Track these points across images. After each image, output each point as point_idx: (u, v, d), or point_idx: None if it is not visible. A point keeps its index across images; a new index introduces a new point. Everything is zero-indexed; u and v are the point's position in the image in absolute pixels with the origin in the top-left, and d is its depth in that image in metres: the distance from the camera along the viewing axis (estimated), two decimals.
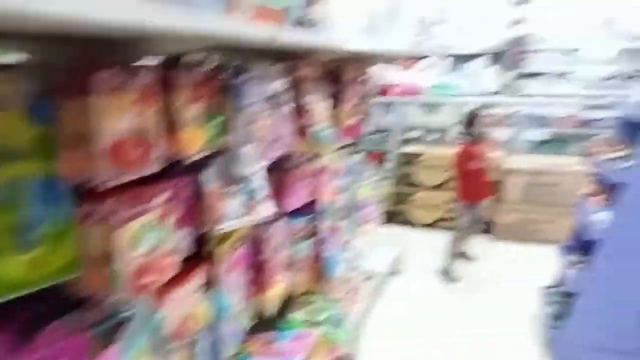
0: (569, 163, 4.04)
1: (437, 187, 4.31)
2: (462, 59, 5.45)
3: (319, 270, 2.37)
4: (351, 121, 2.69)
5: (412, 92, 4.67)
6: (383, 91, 4.71)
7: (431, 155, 4.31)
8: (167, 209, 1.11)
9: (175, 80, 1.15)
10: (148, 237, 1.07)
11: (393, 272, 3.39)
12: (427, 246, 3.99)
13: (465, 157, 3.28)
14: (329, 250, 2.35)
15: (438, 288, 3.22)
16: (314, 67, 2.03)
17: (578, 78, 5.37)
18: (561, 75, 5.46)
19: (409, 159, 4.37)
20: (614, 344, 2.22)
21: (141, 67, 1.06)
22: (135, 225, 1.04)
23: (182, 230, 1.25)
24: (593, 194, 2.55)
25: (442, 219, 4.34)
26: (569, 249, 2.66)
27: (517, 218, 4.01)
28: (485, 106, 4.76)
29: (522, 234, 4.00)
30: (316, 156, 2.05)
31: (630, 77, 5.22)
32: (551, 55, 5.41)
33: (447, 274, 3.35)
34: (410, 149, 4.47)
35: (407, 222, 4.44)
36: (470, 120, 3.29)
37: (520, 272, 3.44)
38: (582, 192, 2.64)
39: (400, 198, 4.45)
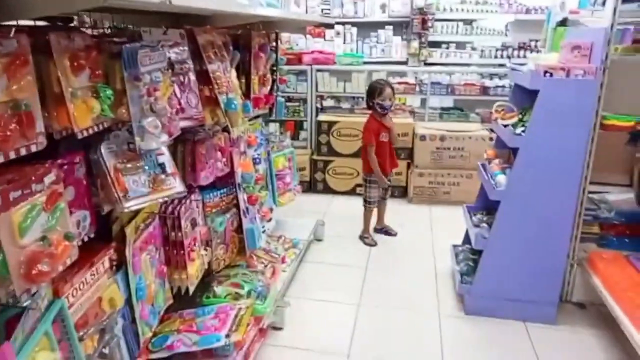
0: (472, 128, 4.33)
1: (353, 155, 4.40)
2: (368, 27, 5.54)
3: (239, 243, 2.33)
4: (262, 90, 2.63)
5: (323, 60, 4.67)
6: (295, 59, 4.66)
7: (345, 124, 4.38)
8: (56, 191, 1.00)
9: (56, 46, 1.02)
10: (36, 222, 0.96)
11: (315, 239, 3.45)
12: (346, 213, 4.10)
13: (370, 130, 3.33)
14: (249, 223, 2.31)
15: (357, 252, 3.33)
16: (217, 34, 1.92)
17: (476, 47, 5.71)
18: (460, 45, 5.76)
19: (325, 128, 4.40)
20: (517, 294, 2.46)
21: (12, 28, 0.93)
22: (19, 211, 0.92)
23: (78, 213, 1.15)
24: (493, 158, 2.75)
25: (359, 186, 4.46)
26: (475, 210, 2.87)
27: (427, 182, 4.24)
28: (392, 75, 4.93)
29: (433, 196, 4.24)
30: (228, 127, 1.97)
31: (521, 48, 5.64)
32: (452, 26, 5.66)
33: (364, 240, 3.48)
34: (324, 117, 4.49)
35: (327, 189, 4.51)
36: (373, 91, 3.31)
37: (432, 233, 3.67)
38: (484, 157, 2.83)
39: (318, 167, 4.49)
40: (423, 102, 4.80)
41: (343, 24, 5.46)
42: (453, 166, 4.23)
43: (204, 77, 1.80)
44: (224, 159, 2.12)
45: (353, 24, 5.50)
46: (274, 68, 2.86)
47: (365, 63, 4.97)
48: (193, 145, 1.87)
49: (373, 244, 3.44)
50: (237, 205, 2.23)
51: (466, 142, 4.18)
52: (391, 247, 3.44)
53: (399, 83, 4.64)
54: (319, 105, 4.77)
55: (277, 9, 2.16)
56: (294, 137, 4.89)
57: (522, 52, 5.74)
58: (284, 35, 5.23)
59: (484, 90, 4.58)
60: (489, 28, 5.71)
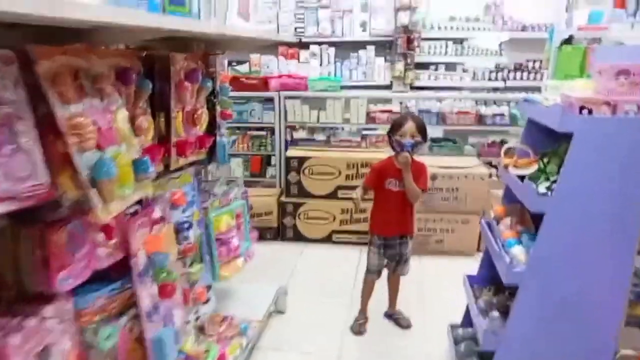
0: (467, 164, 3.68)
1: (328, 196, 3.72)
2: (348, 47, 4.92)
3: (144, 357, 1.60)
4: (192, 131, 1.94)
5: (293, 86, 4.01)
6: (260, 85, 4.00)
7: (319, 160, 3.70)
8: None
9: None
10: None
11: (276, 310, 2.72)
12: (319, 266, 3.40)
13: (373, 170, 2.57)
14: (156, 328, 1.59)
15: (328, 330, 2.61)
16: (99, 57, 1.24)
17: (467, 69, 5.13)
18: (450, 66, 5.18)
19: (294, 165, 3.72)
20: None
21: None
22: None
23: None
24: (502, 216, 2.07)
25: (336, 232, 3.77)
26: (478, 282, 2.18)
27: (415, 228, 3.55)
28: (374, 102, 4.29)
29: (423, 246, 3.56)
30: (112, 194, 1.27)
31: (517, 69, 5.08)
32: (440, 45, 5.09)
33: (352, 326, 2.62)
34: (294, 152, 3.82)
35: (298, 237, 3.81)
36: (392, 126, 2.49)
37: (423, 297, 2.97)
38: (491, 212, 2.16)
39: (287, 210, 3.79)
40: None
41: (319, 43, 4.84)
42: (446, 210, 3.57)
43: (54, 122, 1.11)
44: (115, 240, 1.42)
45: (330, 44, 4.88)
46: (215, 99, 2.19)
47: (343, 88, 4.33)
48: (42, 232, 1.17)
49: (359, 331, 2.57)
50: (136, 304, 1.51)
51: (461, 181, 3.52)
52: (369, 324, 2.66)
53: (382, 111, 3.99)
54: (288, 138, 4.09)
55: (189, 22, 1.49)
56: (260, 174, 4.19)
57: (518, 74, 5.17)
58: (254, 57, 4.59)
59: (480, 119, 3.95)
60: (482, 47, 5.13)
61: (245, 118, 4.04)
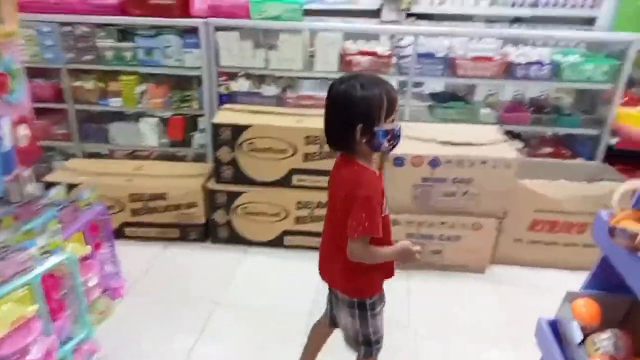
0: (484, 139, 2.45)
1: (278, 183, 2.52)
2: None
3: None
4: None
5: (228, 11, 2.63)
6: (176, 9, 2.61)
7: (264, 129, 2.44)
8: None
9: None
10: None
11: None
12: (263, 284, 2.30)
13: (369, 199, 1.22)
14: None
15: None
16: None
17: None
18: None
19: (226, 136, 2.46)
20: None
21: None
22: None
23: None
24: (590, 319, 0.93)
25: (289, 233, 2.62)
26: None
27: (404, 234, 2.41)
28: (353, 38, 2.93)
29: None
30: None
31: None
32: None
33: None
34: (227, 116, 2.54)
35: (235, 239, 2.65)
36: (372, 107, 1.18)
37: (415, 345, 1.90)
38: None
39: (218, 202, 2.60)
40: (402, 85, 2.85)
41: None
42: (450, 210, 2.40)
43: None
44: None
45: None
46: None
47: (308, 14, 2.94)
48: None
49: None
50: None
51: (476, 169, 2.31)
52: None
53: (363, 53, 2.67)
54: (223, 90, 2.78)
55: None
56: (183, 142, 2.93)
57: None
58: None
59: (508, 68, 2.63)
60: None
61: (158, 59, 2.70)
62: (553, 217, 2.39)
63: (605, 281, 1.14)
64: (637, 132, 2.45)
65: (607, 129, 2.53)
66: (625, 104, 2.50)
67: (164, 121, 2.89)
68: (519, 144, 2.61)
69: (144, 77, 2.80)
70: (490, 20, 4.04)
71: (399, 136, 1.25)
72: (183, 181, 2.63)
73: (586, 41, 3.00)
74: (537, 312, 1.34)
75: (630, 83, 2.55)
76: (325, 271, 1.45)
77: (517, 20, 4.02)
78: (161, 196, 2.58)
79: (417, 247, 1.29)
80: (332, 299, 1.48)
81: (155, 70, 2.74)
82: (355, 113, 1.15)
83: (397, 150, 2.19)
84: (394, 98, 1.19)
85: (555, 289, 1.35)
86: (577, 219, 2.38)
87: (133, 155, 3.08)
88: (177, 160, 2.97)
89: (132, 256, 2.40)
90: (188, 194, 2.58)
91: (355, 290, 1.35)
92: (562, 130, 2.72)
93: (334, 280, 1.42)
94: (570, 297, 1.12)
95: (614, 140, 2.51)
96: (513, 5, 3.76)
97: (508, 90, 3.10)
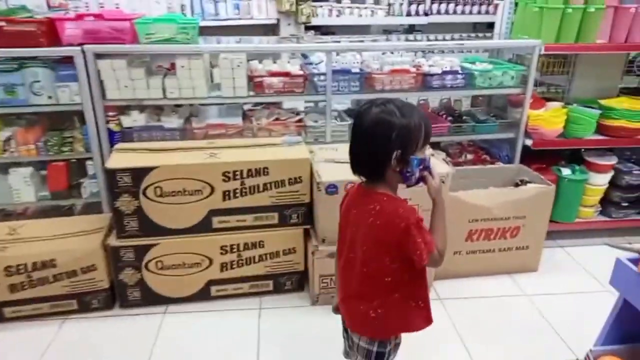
0: None
1: (194, 228, 2.18)
2: None
3: None
4: None
5: (108, 35, 2.23)
6: (42, 37, 2.15)
7: (173, 170, 2.09)
8: None
9: None
10: None
11: None
12: (192, 347, 1.95)
13: (418, 227, 1.16)
14: None
15: None
16: None
17: None
18: None
19: (126, 183, 2.06)
20: None
21: None
22: None
23: None
24: None
25: (215, 282, 2.29)
26: None
27: None
28: (257, 57, 2.67)
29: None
30: None
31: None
32: None
33: None
34: (124, 159, 2.14)
35: (150, 299, 2.25)
36: (408, 136, 1.12)
37: None
38: None
39: (125, 260, 2.17)
40: (316, 105, 2.66)
41: None
42: None
43: None
44: None
45: None
46: None
47: (202, 32, 2.63)
48: None
49: None
50: None
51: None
52: None
53: (273, 74, 2.43)
54: (113, 127, 2.36)
55: None
56: (69, 194, 2.44)
57: (443, 6, 3.91)
58: None
59: (424, 79, 2.57)
60: None
61: (23, 97, 2.20)
62: (487, 225, 2.37)
63: (625, 331, 1.03)
64: (548, 132, 2.53)
65: (521, 132, 2.58)
66: (531, 106, 2.58)
67: (42, 169, 2.38)
68: (443, 155, 2.56)
69: (7, 121, 2.27)
70: (387, 30, 4.07)
71: (428, 167, 1.19)
72: (75, 241, 2.16)
73: (489, 48, 3.10)
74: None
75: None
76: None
77: (412, 28, 4.09)
78: (48, 263, 2.10)
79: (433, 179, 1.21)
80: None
81: (21, 110, 2.23)
82: (395, 139, 1.09)
83: (330, 177, 2.00)
84: (430, 126, 1.17)
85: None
86: (509, 224, 2.39)
87: (3, 215, 2.51)
88: (63, 216, 2.46)
89: (19, 343, 1.92)
90: (84, 256, 2.12)
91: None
92: (481, 137, 2.74)
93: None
94: (594, 355, 0.99)
95: (529, 142, 2.57)
96: (408, 14, 3.80)
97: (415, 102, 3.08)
